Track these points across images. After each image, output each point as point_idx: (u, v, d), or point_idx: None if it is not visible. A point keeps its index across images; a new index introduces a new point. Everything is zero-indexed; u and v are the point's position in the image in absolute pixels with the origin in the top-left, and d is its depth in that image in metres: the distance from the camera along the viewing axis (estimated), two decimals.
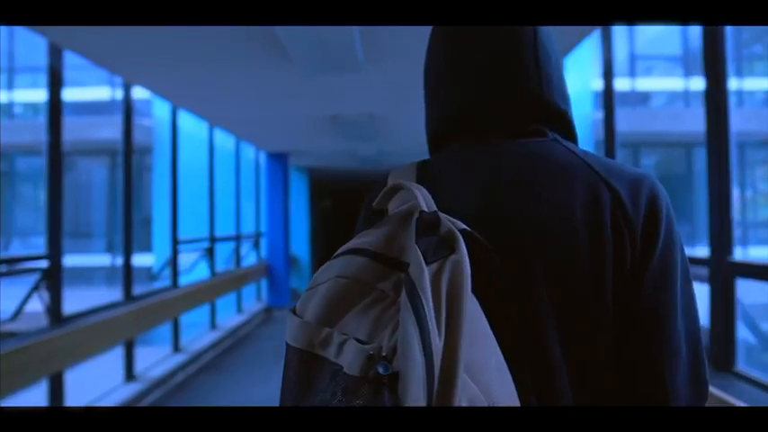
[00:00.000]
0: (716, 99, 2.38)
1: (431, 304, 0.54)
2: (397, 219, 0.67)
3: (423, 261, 0.56)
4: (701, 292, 2.51)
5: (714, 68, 2.40)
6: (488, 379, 0.56)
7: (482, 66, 0.79)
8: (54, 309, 3.75)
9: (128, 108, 4.88)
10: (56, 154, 3.77)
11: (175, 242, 5.97)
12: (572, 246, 0.71)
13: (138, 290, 5.66)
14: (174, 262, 5.96)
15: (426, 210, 0.63)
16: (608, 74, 3.78)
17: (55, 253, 3.77)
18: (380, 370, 0.53)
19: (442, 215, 0.63)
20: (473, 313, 0.58)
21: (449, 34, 0.83)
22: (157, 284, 6.24)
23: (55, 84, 3.80)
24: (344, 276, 0.64)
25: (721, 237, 2.37)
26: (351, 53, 3.74)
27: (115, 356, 4.80)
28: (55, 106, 3.80)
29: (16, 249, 11.94)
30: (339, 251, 0.69)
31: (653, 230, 0.72)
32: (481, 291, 0.62)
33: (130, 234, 4.92)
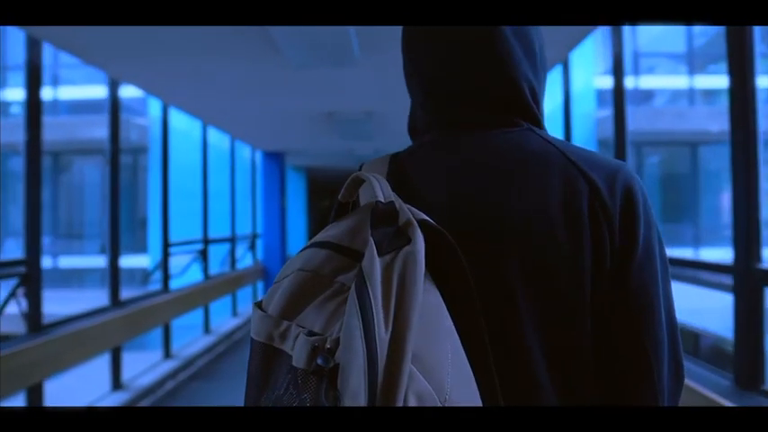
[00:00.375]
0: (742, 96, 2.18)
1: (378, 295, 0.53)
2: (362, 211, 0.66)
3: (375, 252, 0.56)
4: (724, 302, 2.32)
5: (741, 64, 2.20)
6: (442, 374, 0.54)
7: (450, 59, 0.79)
8: (32, 316, 3.55)
9: (114, 106, 4.68)
10: (34, 153, 3.57)
11: (166, 245, 5.77)
12: (549, 236, 0.70)
13: (132, 292, 5.48)
14: (164, 265, 5.75)
15: (383, 200, 0.62)
16: (618, 70, 3.58)
17: (33, 258, 3.57)
18: (319, 361, 0.53)
19: (403, 205, 0.62)
20: (429, 305, 0.57)
21: (416, 32, 0.83)
22: (150, 287, 6.04)
23: (33, 78, 3.59)
24: (305, 269, 0.63)
25: (748, 242, 2.16)
26: (345, 46, 3.54)
27: (101, 363, 4.59)
28: (33, 102, 3.59)
29: (11, 250, 11.80)
30: (304, 246, 0.69)
31: (631, 221, 0.71)
32: (443, 282, 0.60)
33: (117, 236, 4.71)
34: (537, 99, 0.80)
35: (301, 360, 0.55)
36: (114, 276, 4.66)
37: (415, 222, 0.59)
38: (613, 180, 0.73)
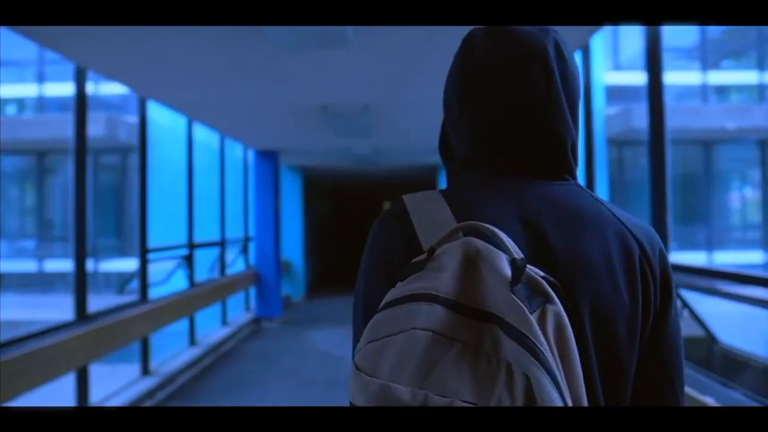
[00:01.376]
0: None
1: (551, 358, 0.56)
2: (463, 262, 0.64)
3: (528, 312, 0.58)
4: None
5: None
6: None
7: (505, 117, 0.79)
8: None
9: (80, 98, 4.18)
10: None
11: (144, 251, 5.28)
12: (613, 285, 0.73)
13: (117, 297, 5.05)
14: (142, 273, 5.26)
15: (518, 257, 0.63)
16: (654, 63, 3.14)
17: None
18: None
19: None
20: None
21: (472, 82, 0.81)
22: (129, 296, 5.54)
23: None
24: (424, 328, 0.60)
25: None
26: (336, 26, 3.06)
27: (66, 381, 4.09)
28: None
29: (3, 252, 11.38)
30: (398, 296, 0.65)
31: (667, 283, 0.77)
32: None
33: (84, 241, 4.22)
34: (576, 153, 0.82)
35: None
36: (81, 287, 4.16)
37: (542, 281, 0.63)
38: (651, 243, 0.78)
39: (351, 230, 18.90)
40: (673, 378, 0.76)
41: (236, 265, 8.50)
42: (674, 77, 12.40)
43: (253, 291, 8.88)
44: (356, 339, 0.74)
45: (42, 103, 11.65)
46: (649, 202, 3.11)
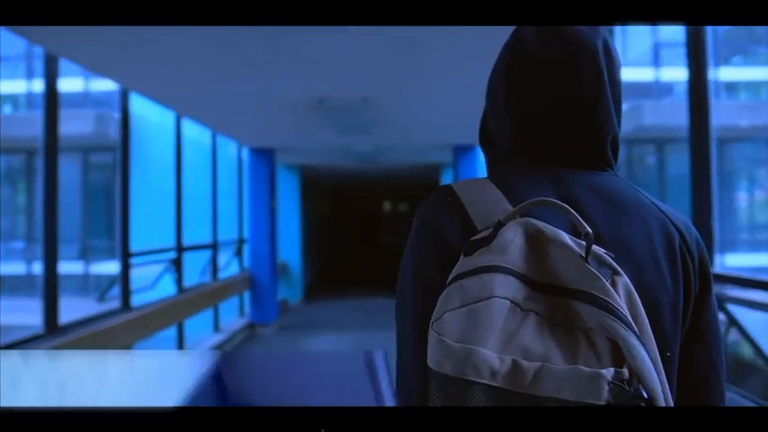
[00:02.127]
0: None
1: (632, 321, 0.61)
2: (526, 240, 0.67)
3: (607, 283, 0.62)
4: None
5: None
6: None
7: (563, 101, 0.79)
8: None
9: (51, 88, 3.82)
10: None
11: (126, 255, 4.91)
12: (657, 270, 0.74)
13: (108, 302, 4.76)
14: (124, 279, 4.89)
15: (591, 232, 0.65)
16: (696, 58, 2.84)
17: None
18: (645, 394, 0.57)
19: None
20: None
21: (523, 70, 0.81)
22: (110, 303, 5.17)
23: None
24: (504, 297, 0.63)
25: None
26: None
27: None
28: None
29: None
30: (468, 268, 0.65)
31: (704, 269, 0.79)
32: None
33: (55, 245, 3.84)
34: (616, 145, 0.83)
35: (595, 394, 0.56)
36: (51, 294, 3.79)
37: (606, 255, 0.66)
38: (689, 230, 0.80)
39: (351, 231, 18.56)
40: (715, 361, 0.79)
41: (229, 268, 8.13)
42: (683, 73, 12.06)
43: (247, 295, 8.51)
44: (406, 321, 0.74)
45: (31, 100, 11.29)
46: (690, 205, 2.77)
